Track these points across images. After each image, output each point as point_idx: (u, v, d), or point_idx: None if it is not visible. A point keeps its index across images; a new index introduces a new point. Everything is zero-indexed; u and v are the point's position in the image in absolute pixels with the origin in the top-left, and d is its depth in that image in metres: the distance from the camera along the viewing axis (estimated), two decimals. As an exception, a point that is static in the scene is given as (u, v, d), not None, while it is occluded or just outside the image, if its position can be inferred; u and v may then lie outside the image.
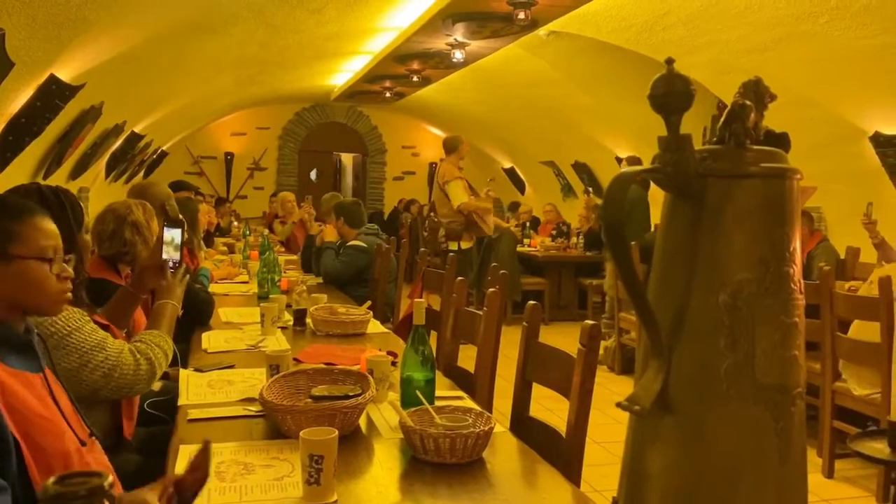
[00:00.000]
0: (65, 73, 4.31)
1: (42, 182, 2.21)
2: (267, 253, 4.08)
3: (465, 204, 6.45)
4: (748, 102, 0.96)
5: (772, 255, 0.93)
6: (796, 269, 0.94)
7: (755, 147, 0.96)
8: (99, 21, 3.85)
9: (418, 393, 1.83)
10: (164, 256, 2.23)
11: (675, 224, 0.97)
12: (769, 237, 0.93)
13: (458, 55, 6.52)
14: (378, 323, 3.27)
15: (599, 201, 6.20)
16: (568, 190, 10.07)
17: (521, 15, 5.05)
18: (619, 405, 0.95)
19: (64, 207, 1.94)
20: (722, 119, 0.96)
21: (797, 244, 0.95)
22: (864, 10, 4.07)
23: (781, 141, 0.99)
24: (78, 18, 3.66)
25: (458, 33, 5.86)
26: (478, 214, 6.52)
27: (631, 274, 0.92)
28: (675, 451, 0.94)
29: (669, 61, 0.92)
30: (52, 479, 0.63)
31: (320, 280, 4.55)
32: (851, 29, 4.30)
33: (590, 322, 1.90)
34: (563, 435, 1.89)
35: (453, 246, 6.58)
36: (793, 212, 0.95)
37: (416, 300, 2.05)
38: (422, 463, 1.63)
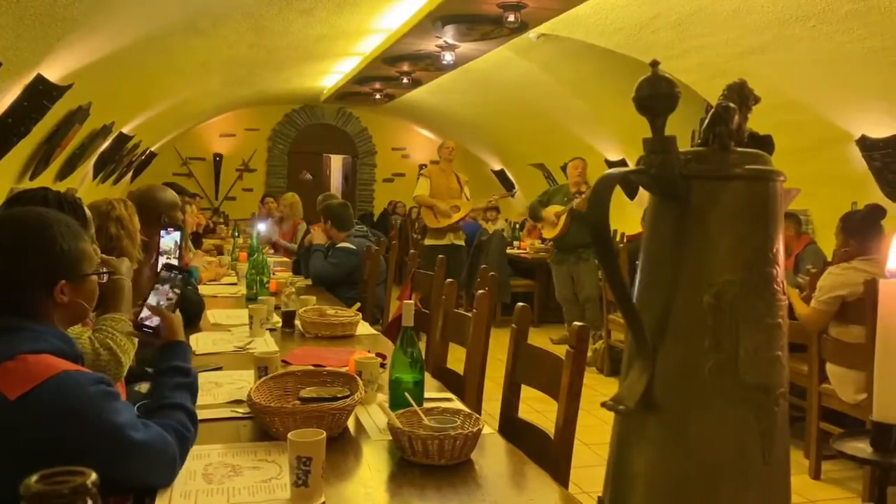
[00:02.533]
0: (52, 74, 4.29)
1: (51, 188, 2.19)
2: (255, 254, 4.07)
3: (418, 197, 6.72)
4: (732, 105, 0.96)
5: (755, 257, 0.93)
6: (780, 271, 0.95)
7: (739, 149, 0.96)
8: (87, 21, 3.84)
9: (407, 394, 1.83)
10: (165, 262, 2.22)
11: (660, 225, 0.98)
12: (753, 239, 0.94)
13: (448, 57, 6.53)
14: (367, 325, 3.27)
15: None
16: (558, 192, 10.08)
17: (511, 17, 5.06)
18: (603, 405, 0.95)
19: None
20: (706, 121, 0.97)
21: (780, 246, 0.96)
22: (851, 15, 4.10)
23: (765, 143, 1.00)
24: (66, 18, 3.65)
25: (448, 35, 5.86)
26: (430, 209, 6.61)
27: (616, 274, 0.93)
28: (659, 451, 0.94)
29: (654, 64, 0.93)
30: (34, 477, 0.63)
31: (309, 282, 4.54)
32: (839, 33, 4.33)
33: (578, 324, 1.91)
34: (552, 436, 1.90)
35: (427, 242, 6.72)
36: (776, 213, 0.96)
37: (404, 302, 2.05)
38: (410, 464, 1.63)
